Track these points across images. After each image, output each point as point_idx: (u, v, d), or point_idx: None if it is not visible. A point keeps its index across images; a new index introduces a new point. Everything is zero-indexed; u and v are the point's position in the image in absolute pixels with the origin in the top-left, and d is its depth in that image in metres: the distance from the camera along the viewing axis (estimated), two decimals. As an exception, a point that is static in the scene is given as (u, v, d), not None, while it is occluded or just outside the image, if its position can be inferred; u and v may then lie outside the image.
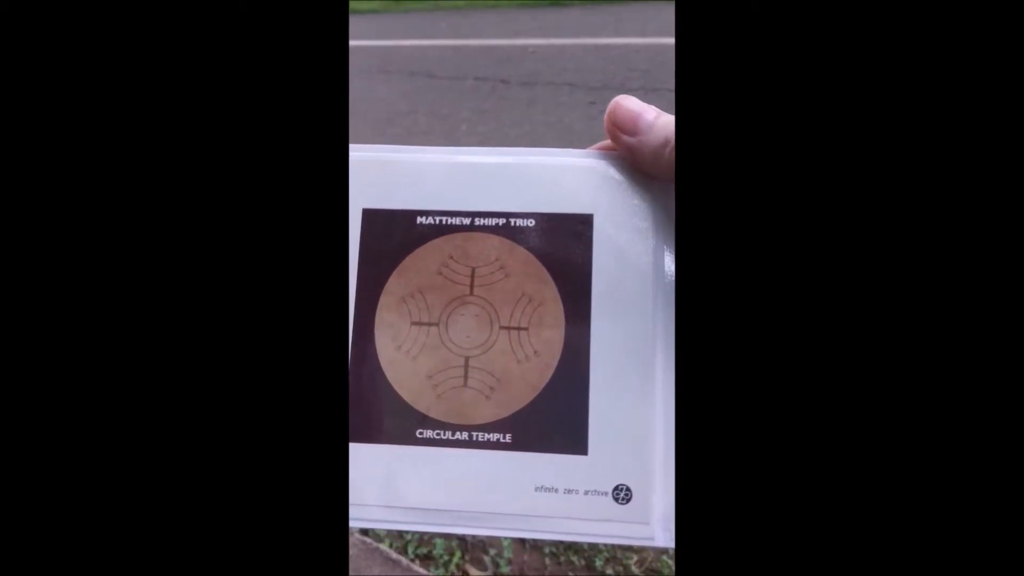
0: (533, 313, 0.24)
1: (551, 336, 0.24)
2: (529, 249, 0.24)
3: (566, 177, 0.25)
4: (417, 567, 0.80)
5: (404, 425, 0.23)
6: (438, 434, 0.23)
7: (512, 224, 0.24)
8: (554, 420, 0.23)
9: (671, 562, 0.79)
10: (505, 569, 0.79)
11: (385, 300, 0.24)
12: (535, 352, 0.24)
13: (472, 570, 0.80)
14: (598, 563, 0.79)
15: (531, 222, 0.24)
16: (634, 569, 0.78)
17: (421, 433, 0.23)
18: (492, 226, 0.24)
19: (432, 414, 0.23)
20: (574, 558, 0.80)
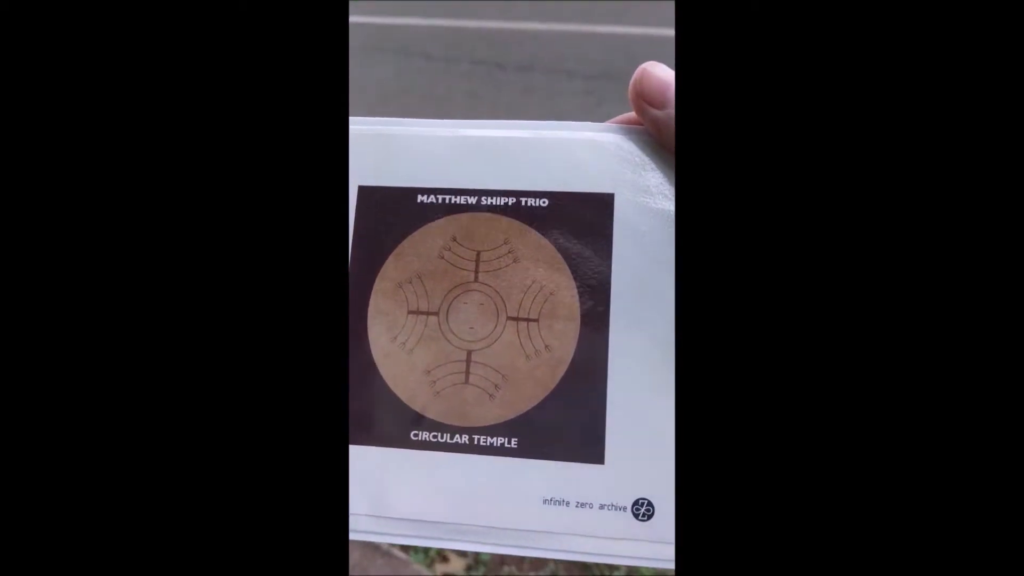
0: (544, 303, 0.22)
1: (565, 329, 0.21)
2: (541, 232, 0.22)
3: (584, 153, 0.22)
4: (397, 552, 0.80)
5: (397, 425, 0.21)
6: (435, 436, 0.21)
7: (523, 204, 0.22)
8: (566, 424, 0.21)
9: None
10: (486, 556, 0.79)
11: (380, 286, 0.22)
12: (546, 347, 0.21)
13: (452, 556, 0.80)
14: (578, 553, 0.79)
15: (544, 202, 0.22)
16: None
17: (416, 435, 0.21)
18: (500, 206, 0.22)
19: (429, 414, 0.21)
20: (554, 548, 0.80)
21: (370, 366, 0.22)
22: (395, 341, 0.22)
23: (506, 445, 0.21)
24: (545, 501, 0.20)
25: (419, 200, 0.23)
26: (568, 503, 0.20)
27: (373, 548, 0.80)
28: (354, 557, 0.77)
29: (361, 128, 0.24)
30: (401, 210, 0.23)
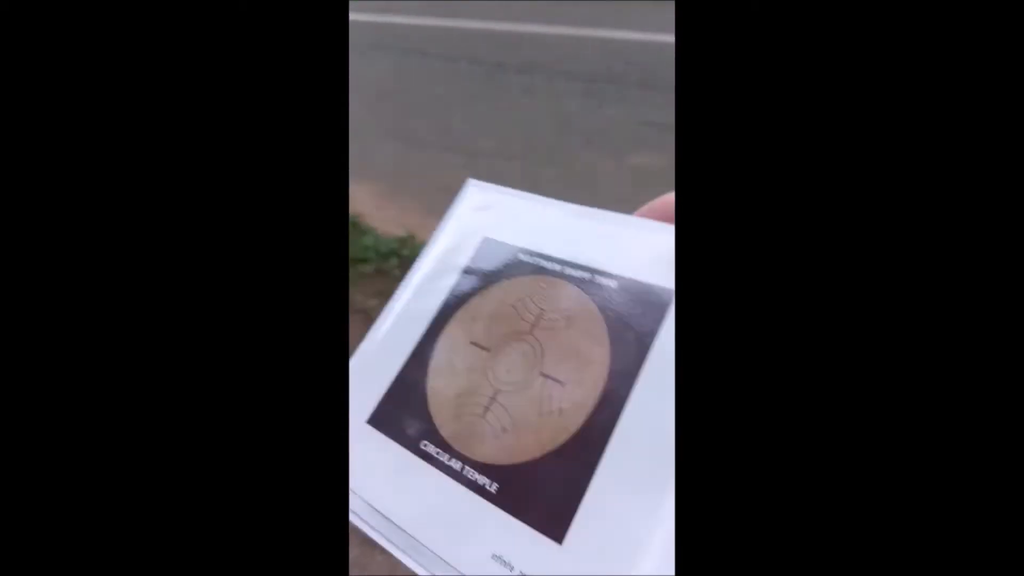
0: (576, 371, 0.23)
1: (583, 399, 0.22)
2: (600, 307, 0.24)
3: (660, 249, 0.25)
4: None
5: (416, 431, 0.23)
6: (438, 453, 0.23)
7: (595, 280, 0.25)
8: (544, 488, 0.21)
9: None
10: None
11: (460, 315, 0.26)
12: (560, 410, 0.22)
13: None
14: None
15: (614, 283, 0.24)
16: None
17: (425, 446, 0.23)
18: (577, 277, 0.25)
19: (443, 432, 0.23)
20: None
21: (423, 375, 0.25)
22: (449, 363, 0.25)
23: (486, 488, 0.21)
24: (493, 556, 0.20)
25: (519, 258, 0.26)
26: (512, 568, 0.20)
27: (371, 546, 0.80)
28: (352, 555, 0.78)
29: (496, 196, 0.28)
30: (504, 262, 0.27)
